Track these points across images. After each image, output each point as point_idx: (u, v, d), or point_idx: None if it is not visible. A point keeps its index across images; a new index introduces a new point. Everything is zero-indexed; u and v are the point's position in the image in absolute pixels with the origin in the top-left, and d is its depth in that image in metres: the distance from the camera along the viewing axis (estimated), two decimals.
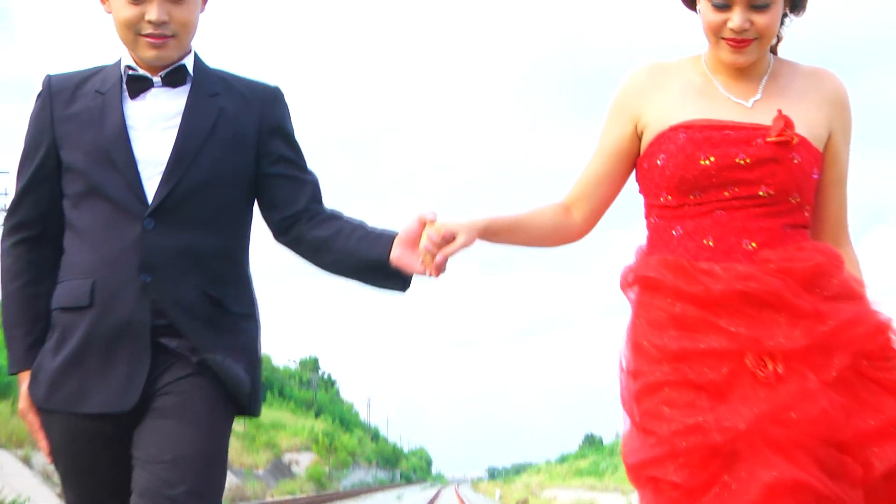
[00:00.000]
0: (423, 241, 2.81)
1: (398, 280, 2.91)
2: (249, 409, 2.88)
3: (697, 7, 2.79)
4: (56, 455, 2.87)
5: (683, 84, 2.83)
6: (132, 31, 2.84)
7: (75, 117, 2.87)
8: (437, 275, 2.83)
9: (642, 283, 2.76)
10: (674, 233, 2.76)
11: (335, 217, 2.98)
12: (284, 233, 2.99)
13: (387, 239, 2.89)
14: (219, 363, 2.80)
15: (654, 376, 2.64)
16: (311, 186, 3.00)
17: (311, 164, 3.03)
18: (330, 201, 3.03)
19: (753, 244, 2.69)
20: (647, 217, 2.86)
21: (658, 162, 2.76)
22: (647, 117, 2.83)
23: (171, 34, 2.85)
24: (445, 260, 2.79)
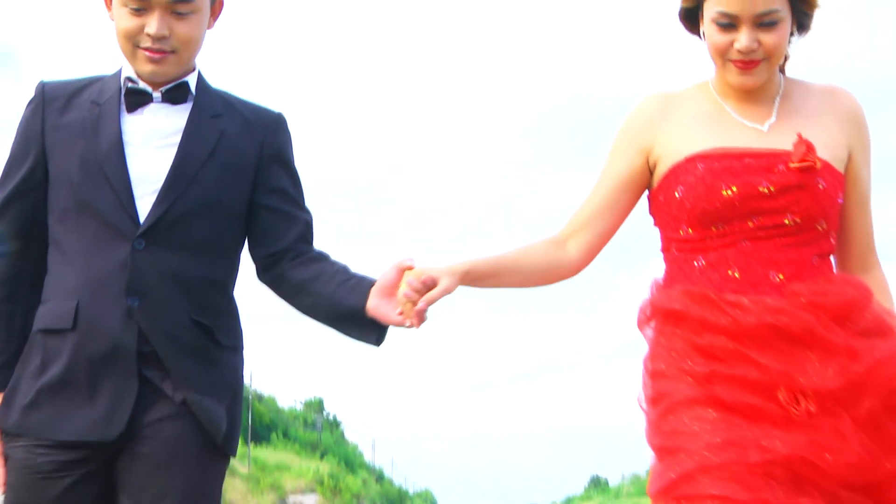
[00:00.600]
0: (403, 289, 2.65)
1: (373, 331, 2.74)
2: (225, 449, 2.72)
3: (701, 30, 2.69)
4: (13, 489, 2.67)
5: (694, 112, 2.72)
6: (131, 43, 2.73)
7: (68, 127, 2.74)
8: (419, 324, 2.66)
9: (664, 315, 2.63)
10: (696, 264, 2.64)
11: (319, 259, 2.83)
12: (266, 270, 2.86)
13: (364, 287, 2.74)
14: (199, 404, 2.66)
15: (682, 394, 2.50)
16: (301, 224, 2.86)
17: (316, 206, 2.91)
18: (336, 245, 2.90)
19: (781, 276, 2.57)
20: (664, 251, 2.74)
21: (676, 194, 2.64)
22: (659, 148, 2.71)
23: (171, 50, 2.73)
24: (427, 308, 2.64)
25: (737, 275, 2.58)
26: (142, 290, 2.64)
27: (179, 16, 2.72)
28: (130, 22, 2.71)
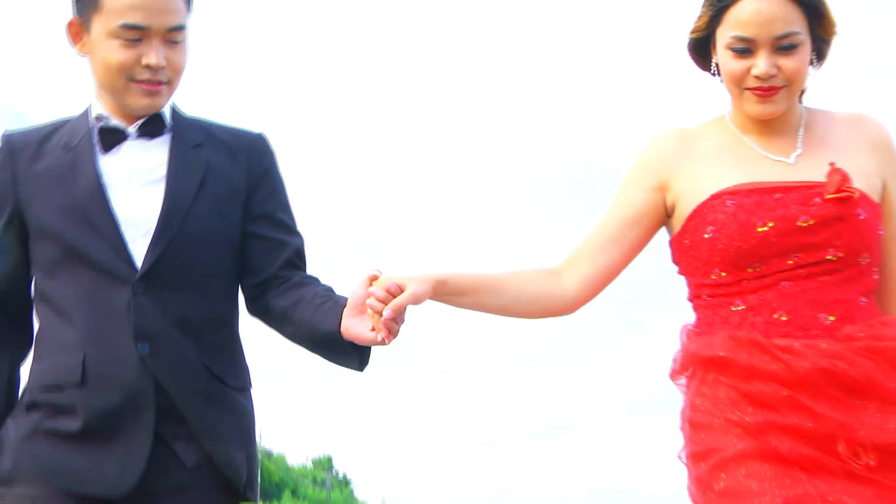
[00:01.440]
0: (369, 300, 2.42)
1: (353, 356, 2.55)
2: (247, 496, 2.61)
3: (714, 61, 2.53)
4: None
5: (714, 148, 2.54)
6: (123, 77, 2.56)
7: (42, 176, 2.57)
8: (389, 337, 2.42)
9: (705, 363, 2.42)
10: (734, 308, 2.44)
11: (302, 284, 2.65)
12: (254, 301, 2.69)
13: (339, 308, 2.54)
14: (222, 455, 2.54)
15: (733, 448, 2.29)
16: (289, 250, 2.69)
17: (318, 268, 2.74)
18: None
19: (832, 318, 2.39)
20: (693, 298, 2.54)
21: (705, 235, 2.45)
22: (679, 187, 2.53)
23: (166, 81, 2.58)
24: (394, 315, 2.38)
25: (784, 318, 2.39)
26: (150, 334, 2.50)
27: (173, 45, 2.58)
28: (124, 54, 2.55)
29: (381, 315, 2.39)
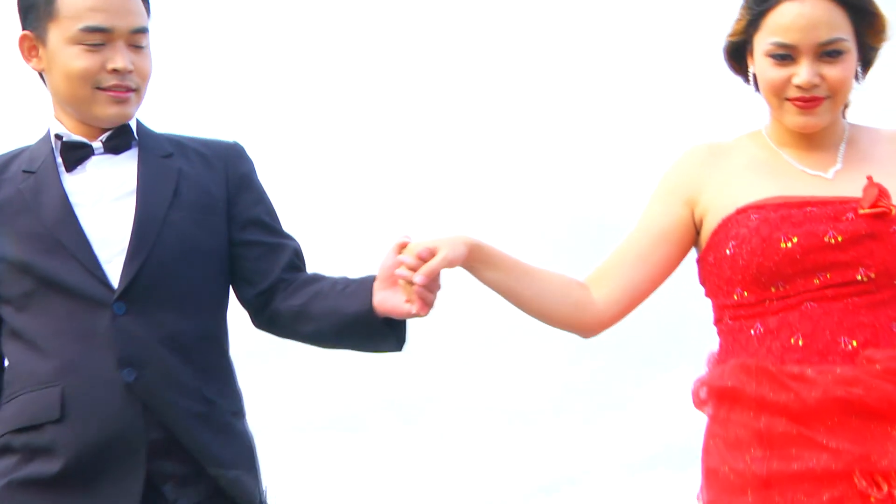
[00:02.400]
0: (399, 270, 2.26)
1: (389, 334, 2.38)
2: None
3: (750, 70, 2.36)
4: None
5: (747, 161, 2.37)
6: (88, 85, 2.39)
7: (4, 206, 2.40)
8: (424, 308, 2.27)
9: (717, 395, 2.25)
10: (753, 332, 2.26)
11: (314, 279, 2.48)
12: (260, 312, 2.51)
13: (367, 285, 2.37)
14: (231, 481, 2.35)
15: None
16: (288, 252, 2.53)
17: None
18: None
19: (854, 343, 2.18)
20: (717, 322, 2.36)
21: (727, 251, 2.27)
22: (706, 200, 2.35)
23: (134, 87, 2.42)
24: (427, 281, 2.22)
25: (800, 342, 2.20)
26: (136, 359, 2.30)
27: (137, 49, 2.42)
28: (88, 60, 2.38)
29: (413, 283, 2.23)
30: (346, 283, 2.44)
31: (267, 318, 2.51)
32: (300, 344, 2.57)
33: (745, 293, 2.27)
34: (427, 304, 2.28)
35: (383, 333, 2.39)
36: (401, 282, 2.27)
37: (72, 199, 2.38)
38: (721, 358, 2.32)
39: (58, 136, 2.45)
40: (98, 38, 2.37)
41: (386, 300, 2.33)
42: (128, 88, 2.40)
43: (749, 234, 2.24)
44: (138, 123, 2.51)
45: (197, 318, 2.41)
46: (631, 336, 2.51)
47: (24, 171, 2.43)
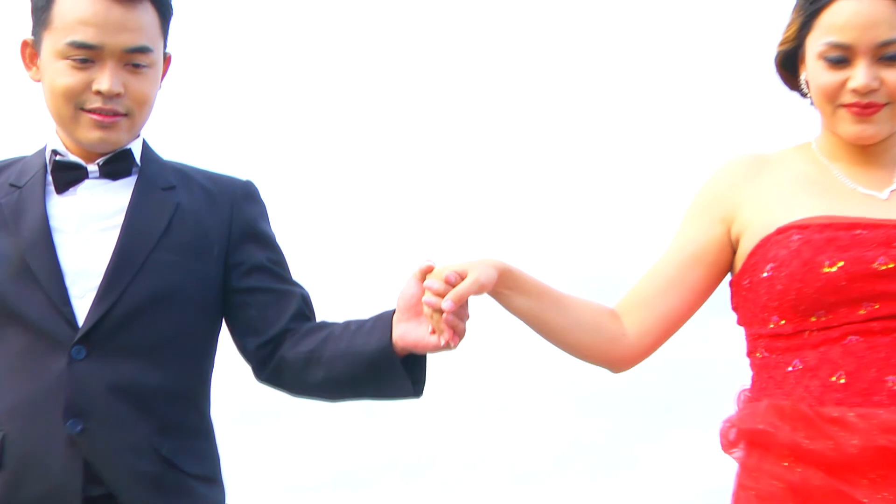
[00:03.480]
0: (425, 297, 2.05)
1: (406, 379, 2.14)
2: None
3: (802, 77, 2.14)
4: None
5: (793, 175, 2.14)
6: (72, 105, 2.18)
7: None
8: (455, 339, 2.05)
9: (748, 438, 2.01)
10: (790, 368, 2.02)
11: (325, 325, 2.26)
12: (264, 365, 2.27)
13: (385, 320, 2.15)
14: None
15: None
16: (296, 300, 2.30)
17: None
18: None
19: None
20: (750, 353, 2.12)
21: (764, 274, 2.04)
22: (744, 218, 2.12)
23: (125, 112, 2.19)
24: (457, 307, 2.01)
25: (842, 380, 1.96)
26: (85, 410, 2.08)
27: (135, 69, 2.19)
28: (72, 78, 2.16)
29: (441, 311, 2.01)
30: (359, 322, 2.22)
31: (272, 369, 2.28)
32: (300, 402, 2.36)
33: (783, 322, 2.03)
34: (458, 334, 2.07)
35: (401, 375, 2.15)
36: (427, 311, 2.05)
37: (53, 223, 2.17)
38: (754, 395, 2.08)
39: (55, 152, 2.24)
40: (85, 54, 2.16)
41: (408, 333, 2.11)
42: (115, 112, 2.18)
43: (789, 257, 2.00)
44: (145, 148, 2.30)
45: (166, 370, 2.17)
46: (642, 390, 2.29)
47: (11, 185, 2.23)
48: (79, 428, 2.06)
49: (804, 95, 2.16)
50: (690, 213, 2.20)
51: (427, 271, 2.08)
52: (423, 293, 2.06)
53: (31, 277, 2.12)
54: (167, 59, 2.30)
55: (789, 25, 2.15)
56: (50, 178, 2.22)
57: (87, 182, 2.22)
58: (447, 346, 2.07)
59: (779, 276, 2.01)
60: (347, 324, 2.23)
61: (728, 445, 2.07)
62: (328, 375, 2.20)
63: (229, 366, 2.36)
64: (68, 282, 2.13)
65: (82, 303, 2.12)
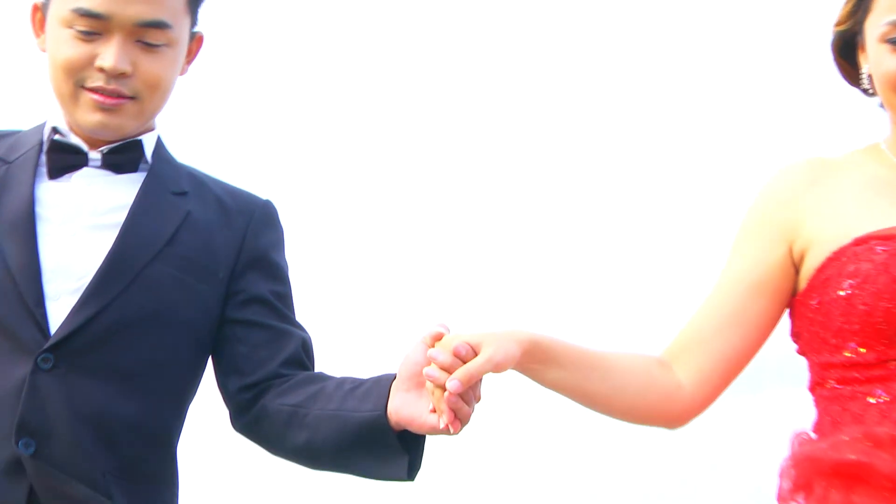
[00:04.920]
0: (427, 369, 1.76)
1: (400, 456, 1.87)
2: None
3: (864, 70, 1.89)
4: None
5: (865, 180, 1.88)
6: (72, 81, 1.93)
7: None
8: (455, 424, 1.77)
9: (830, 475, 1.71)
10: (872, 400, 1.75)
11: (317, 378, 1.98)
12: (243, 411, 2.00)
13: (383, 385, 1.88)
14: None
15: None
16: (294, 342, 2.02)
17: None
18: None
19: None
20: (816, 386, 1.85)
21: (841, 292, 1.77)
22: (810, 230, 1.85)
23: (132, 95, 1.93)
24: (465, 388, 1.72)
25: None
26: (40, 430, 1.83)
27: (148, 47, 1.93)
28: (75, 50, 1.91)
29: (444, 389, 1.74)
30: (356, 382, 1.95)
31: (251, 419, 2.01)
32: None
33: (862, 349, 1.76)
34: (460, 419, 1.78)
35: (393, 452, 1.88)
36: (429, 384, 1.78)
37: (38, 209, 1.91)
38: (824, 433, 1.80)
39: (54, 130, 1.99)
40: (90, 24, 1.90)
41: (405, 406, 1.84)
42: (119, 94, 1.92)
43: (875, 272, 1.74)
44: (159, 144, 2.05)
45: (142, 401, 1.91)
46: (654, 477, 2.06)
47: (0, 159, 1.98)
48: (31, 450, 1.81)
49: (868, 93, 1.92)
50: (744, 233, 1.93)
51: (436, 338, 1.81)
52: (428, 362, 1.79)
53: (3, 266, 1.87)
54: (197, 40, 2.05)
55: (845, 3, 1.92)
56: (44, 158, 1.97)
57: (85, 170, 1.96)
58: (445, 431, 1.79)
59: (861, 295, 1.75)
60: (343, 381, 1.96)
61: (788, 494, 1.76)
62: (311, 439, 1.94)
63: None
64: (45, 278, 1.88)
65: (57, 306, 1.86)
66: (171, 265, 1.94)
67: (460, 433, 1.80)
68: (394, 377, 1.87)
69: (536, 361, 1.82)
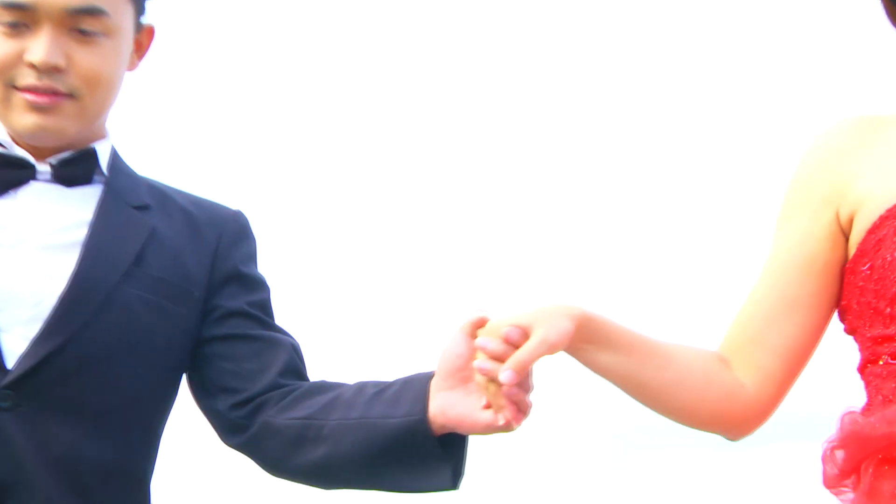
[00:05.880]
0: (478, 361, 1.60)
1: (444, 464, 1.69)
2: None
3: None
4: None
5: None
6: (1, 81, 1.74)
7: None
8: (518, 417, 1.62)
9: (884, 455, 1.51)
10: None
11: (325, 387, 1.80)
12: (239, 430, 1.81)
13: (418, 386, 1.71)
14: None
15: None
16: (285, 350, 1.84)
17: None
18: None
19: None
20: (864, 366, 1.66)
21: (890, 256, 1.58)
22: (858, 191, 1.66)
23: (68, 92, 1.74)
24: (519, 378, 1.56)
25: None
26: (3, 477, 1.65)
27: (83, 37, 1.74)
28: (2, 46, 1.73)
29: (499, 382, 1.58)
30: (379, 386, 1.77)
31: (250, 438, 1.82)
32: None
33: None
34: (522, 411, 1.63)
35: (435, 460, 1.70)
36: (480, 379, 1.61)
37: None
38: (874, 414, 1.59)
39: None
40: (15, 15, 1.71)
41: (452, 405, 1.67)
42: (54, 92, 1.73)
43: None
44: (114, 156, 1.87)
45: (114, 440, 1.74)
46: None
47: None
48: None
49: None
50: (787, 206, 1.74)
51: (479, 325, 1.66)
52: (473, 354, 1.64)
53: None
54: (147, 33, 1.87)
55: None
56: None
57: (33, 184, 1.77)
58: (507, 427, 1.64)
59: None
60: (362, 386, 1.78)
61: (837, 478, 1.57)
62: (331, 453, 1.75)
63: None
64: None
65: (10, 339, 1.68)
66: (142, 288, 1.76)
67: (520, 427, 1.64)
68: (427, 376, 1.71)
69: (587, 341, 1.64)
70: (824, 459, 1.59)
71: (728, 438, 1.76)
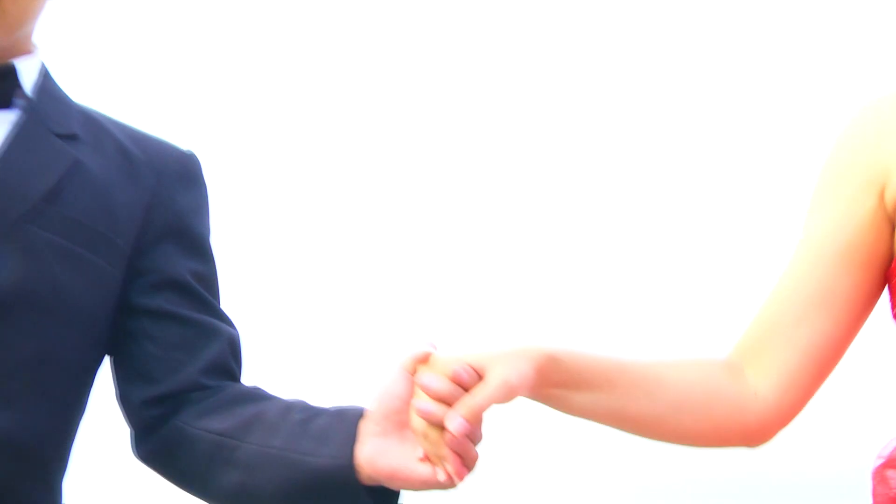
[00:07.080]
0: (418, 402, 1.38)
1: None
2: None
3: None
4: None
5: None
6: None
7: None
8: (461, 474, 1.39)
9: None
10: None
11: (254, 396, 1.58)
12: (149, 431, 1.59)
13: (348, 424, 1.49)
14: None
15: None
16: (221, 342, 1.61)
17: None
18: None
19: None
20: None
21: None
22: None
23: None
24: (467, 428, 1.35)
25: None
26: None
27: None
28: None
29: (442, 430, 1.38)
30: (309, 412, 1.56)
31: (160, 444, 1.61)
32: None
33: None
34: (467, 464, 1.41)
35: None
36: (418, 424, 1.40)
37: None
38: None
39: None
40: None
41: (383, 454, 1.47)
42: None
43: None
44: (44, 76, 1.63)
45: (16, 412, 1.50)
46: None
47: None
48: None
49: None
50: (823, 190, 1.57)
51: (422, 360, 1.43)
52: (412, 394, 1.43)
53: None
54: None
55: None
56: None
57: None
58: (447, 484, 1.43)
59: None
60: (289, 407, 1.57)
61: (892, 500, 1.42)
62: (245, 482, 1.55)
63: None
64: None
65: None
66: (52, 229, 1.52)
67: (461, 484, 1.42)
68: (359, 413, 1.50)
69: (558, 385, 1.43)
70: (875, 477, 1.46)
71: (747, 448, 1.58)
